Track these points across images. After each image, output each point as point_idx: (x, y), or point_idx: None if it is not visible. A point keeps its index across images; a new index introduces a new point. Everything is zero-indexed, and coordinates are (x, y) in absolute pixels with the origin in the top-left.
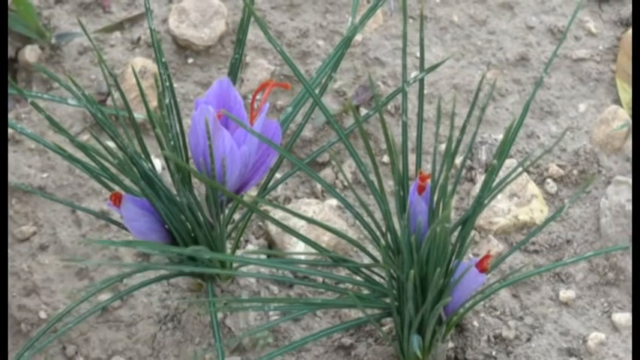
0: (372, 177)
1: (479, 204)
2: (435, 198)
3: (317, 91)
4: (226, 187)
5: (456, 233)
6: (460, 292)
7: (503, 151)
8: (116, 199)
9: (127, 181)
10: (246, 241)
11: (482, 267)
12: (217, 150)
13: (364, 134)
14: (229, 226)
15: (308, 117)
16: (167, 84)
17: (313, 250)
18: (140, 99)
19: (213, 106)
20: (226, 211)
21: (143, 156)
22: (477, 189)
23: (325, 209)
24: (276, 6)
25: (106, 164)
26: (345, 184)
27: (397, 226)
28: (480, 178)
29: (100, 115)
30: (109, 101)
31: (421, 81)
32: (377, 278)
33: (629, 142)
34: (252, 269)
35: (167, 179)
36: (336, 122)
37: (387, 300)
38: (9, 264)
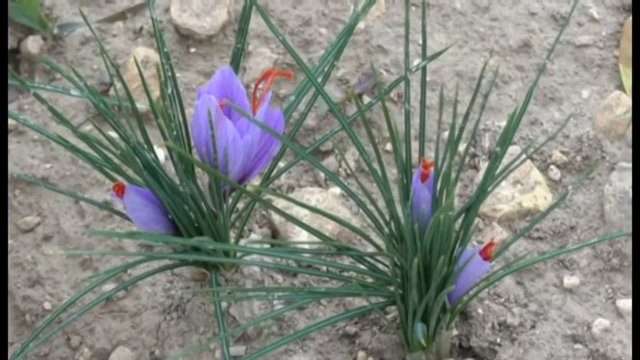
0: (375, 165)
1: (482, 191)
2: (439, 186)
3: (320, 80)
4: (229, 177)
5: (459, 220)
6: (464, 280)
7: (506, 139)
8: (119, 190)
9: (130, 172)
10: (250, 231)
11: (486, 254)
12: (220, 140)
13: (366, 123)
14: (233, 216)
15: (311, 105)
16: (169, 74)
17: (317, 239)
18: (143, 89)
19: (216, 96)
20: (230, 201)
21: (146, 146)
22: (480, 176)
23: (329, 198)
24: None
25: (109, 155)
26: (349, 172)
27: (400, 214)
28: (484, 166)
29: (102, 106)
30: (112, 91)
31: (424, 68)
32: (381, 267)
33: None
34: (255, 259)
35: (170, 169)
36: (339, 110)
37: (391, 288)
38: (13, 255)
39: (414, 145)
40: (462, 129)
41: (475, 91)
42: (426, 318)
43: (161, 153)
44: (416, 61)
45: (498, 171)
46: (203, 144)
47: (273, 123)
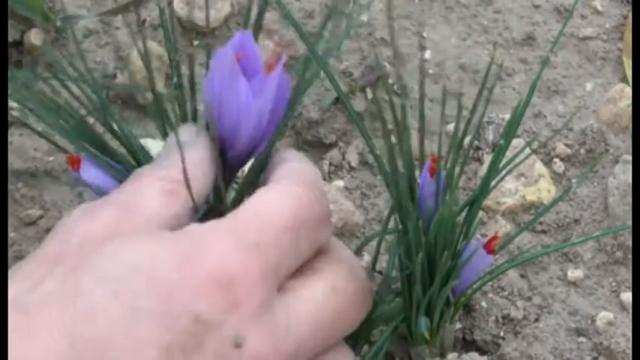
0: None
1: (486, 185)
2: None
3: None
4: (239, 146)
5: (463, 213)
6: (468, 274)
7: (509, 132)
8: (73, 163)
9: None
10: None
11: (489, 248)
12: (234, 99)
13: (360, 125)
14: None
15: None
16: (176, 60)
17: None
18: (147, 81)
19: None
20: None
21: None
22: (484, 169)
23: (332, 190)
24: None
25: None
26: (353, 165)
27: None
28: (487, 158)
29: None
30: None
31: (424, 61)
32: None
33: None
34: None
35: None
36: (342, 104)
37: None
38: (16, 248)
39: (416, 138)
40: (468, 122)
41: (483, 83)
42: (430, 312)
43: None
44: (419, 54)
45: (502, 164)
46: (216, 103)
47: (280, 87)
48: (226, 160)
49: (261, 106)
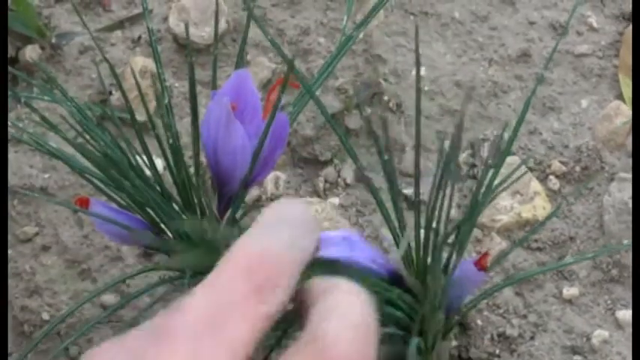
0: (375, 176)
1: (478, 204)
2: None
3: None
4: (235, 182)
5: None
6: (460, 292)
7: (504, 150)
8: (82, 203)
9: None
10: None
11: (480, 265)
12: (229, 143)
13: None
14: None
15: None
16: (167, 84)
17: None
18: (140, 99)
19: (230, 98)
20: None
21: (145, 156)
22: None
23: (327, 208)
24: (277, 3)
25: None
26: (348, 182)
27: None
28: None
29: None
30: (114, 100)
31: (420, 78)
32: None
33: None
34: None
35: (167, 179)
36: (337, 121)
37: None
38: (12, 265)
39: (411, 155)
40: (460, 139)
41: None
42: (424, 332)
43: (159, 163)
44: (414, 71)
45: (497, 182)
46: (211, 146)
47: (279, 128)
48: (222, 194)
49: (257, 148)
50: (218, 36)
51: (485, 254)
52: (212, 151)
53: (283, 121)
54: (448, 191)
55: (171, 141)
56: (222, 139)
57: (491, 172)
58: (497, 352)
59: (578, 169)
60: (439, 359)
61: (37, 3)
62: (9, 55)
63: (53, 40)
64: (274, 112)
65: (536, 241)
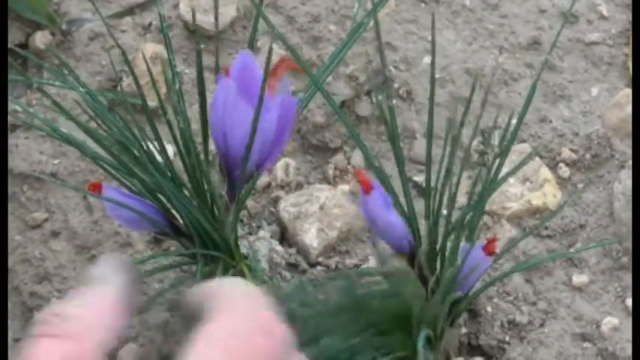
0: (386, 162)
1: (488, 190)
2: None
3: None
4: (246, 162)
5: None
6: (468, 276)
7: (513, 137)
8: (95, 188)
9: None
10: (259, 227)
11: (488, 250)
12: (236, 122)
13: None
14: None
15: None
16: (177, 69)
17: (325, 237)
18: (151, 85)
19: (235, 80)
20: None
21: (156, 143)
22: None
23: (337, 195)
24: None
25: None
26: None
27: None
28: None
29: (107, 103)
30: (125, 85)
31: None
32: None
33: None
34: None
35: (178, 165)
36: (348, 108)
37: None
38: (21, 251)
39: (422, 143)
40: (476, 126)
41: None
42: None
43: (170, 149)
44: (425, 58)
45: (506, 170)
46: (220, 130)
47: (286, 110)
48: (232, 179)
49: (265, 128)
50: (218, 21)
51: (493, 239)
52: (221, 134)
53: (290, 102)
54: (455, 179)
55: (182, 125)
56: (229, 120)
57: (498, 159)
58: (507, 339)
59: (588, 156)
60: (448, 346)
61: None
62: (18, 42)
63: (63, 27)
64: (266, 75)
65: (546, 228)
